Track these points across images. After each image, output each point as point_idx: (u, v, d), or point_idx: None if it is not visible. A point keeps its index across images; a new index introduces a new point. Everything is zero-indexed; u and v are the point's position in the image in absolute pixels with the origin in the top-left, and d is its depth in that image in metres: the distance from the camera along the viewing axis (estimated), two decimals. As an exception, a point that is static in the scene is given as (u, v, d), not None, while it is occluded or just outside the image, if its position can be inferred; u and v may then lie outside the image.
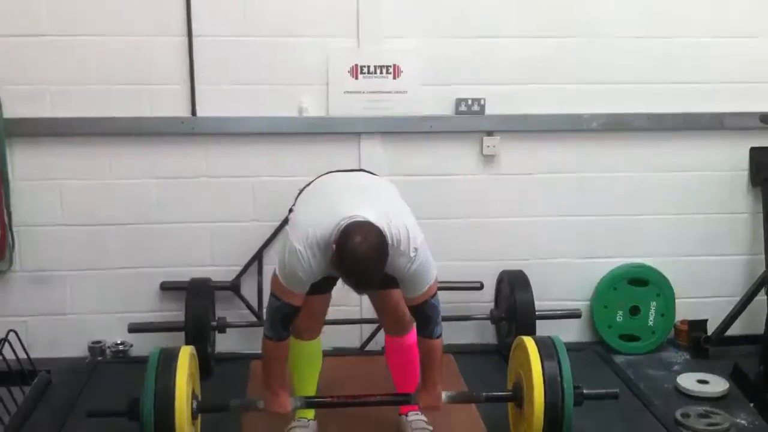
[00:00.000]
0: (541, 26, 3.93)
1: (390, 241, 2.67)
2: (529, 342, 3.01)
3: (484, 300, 4.11)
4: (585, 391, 2.98)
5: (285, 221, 3.73)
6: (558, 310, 4.01)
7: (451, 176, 4.05)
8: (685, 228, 4.19)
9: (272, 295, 2.87)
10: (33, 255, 3.92)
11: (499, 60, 3.95)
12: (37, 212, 3.87)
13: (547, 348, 2.97)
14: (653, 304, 4.15)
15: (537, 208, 4.11)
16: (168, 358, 2.89)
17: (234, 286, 3.97)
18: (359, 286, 2.68)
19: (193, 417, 2.96)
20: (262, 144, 3.90)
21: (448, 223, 4.07)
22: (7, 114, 3.73)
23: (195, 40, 3.77)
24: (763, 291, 3.91)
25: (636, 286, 4.16)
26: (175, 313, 3.91)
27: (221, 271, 4.00)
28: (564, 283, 4.18)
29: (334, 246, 2.60)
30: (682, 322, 4.20)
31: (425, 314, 2.89)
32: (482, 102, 3.94)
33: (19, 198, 3.84)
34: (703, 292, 4.23)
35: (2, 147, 3.75)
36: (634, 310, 4.16)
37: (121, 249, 3.97)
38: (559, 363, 2.92)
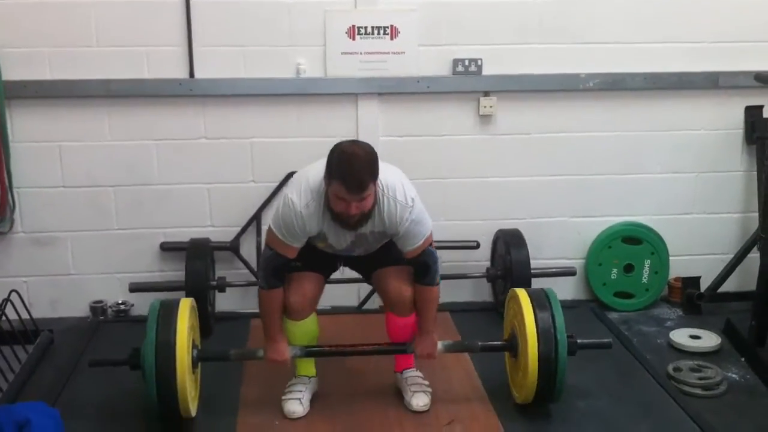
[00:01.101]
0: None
1: (384, 189, 2.80)
2: (522, 293, 3.07)
3: (481, 259, 4.15)
4: (579, 341, 3.04)
5: (283, 182, 3.78)
6: (553, 268, 4.07)
7: (448, 137, 4.07)
8: (680, 186, 4.22)
9: (266, 246, 2.96)
10: (33, 216, 3.95)
11: (496, 20, 3.95)
12: (37, 174, 3.90)
13: (540, 299, 3.04)
14: (647, 261, 4.20)
15: (533, 168, 4.14)
16: (168, 309, 2.96)
17: (233, 247, 4.01)
18: (351, 186, 2.66)
19: (194, 366, 3.02)
20: (259, 105, 3.92)
21: (444, 183, 4.10)
22: (6, 76, 3.74)
23: (192, 1, 3.77)
24: (755, 248, 3.95)
25: (630, 244, 4.20)
26: (176, 273, 3.96)
27: (220, 232, 4.04)
28: (559, 241, 4.23)
29: (325, 168, 2.74)
30: (676, 279, 4.26)
31: (424, 262, 2.97)
32: (479, 62, 3.95)
33: (19, 160, 3.86)
34: (697, 250, 4.28)
35: (1, 109, 3.76)
36: (629, 268, 4.21)
37: (121, 210, 4.00)
38: (552, 313, 2.99)
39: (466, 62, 3.96)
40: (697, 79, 4.06)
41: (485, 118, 4.06)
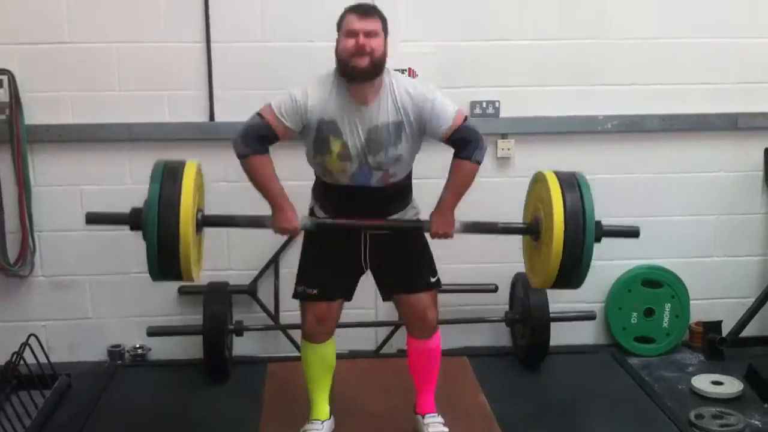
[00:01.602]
0: (555, 29, 3.95)
1: (394, 81, 2.87)
2: (549, 174, 2.95)
3: (499, 302, 4.13)
4: (604, 225, 2.92)
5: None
6: (572, 312, 4.03)
7: (466, 179, 4.06)
8: (700, 229, 4.20)
9: (255, 114, 2.89)
10: (53, 260, 3.98)
11: (513, 63, 3.97)
12: (57, 217, 3.93)
13: (569, 181, 2.92)
14: (668, 305, 4.17)
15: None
16: (173, 169, 2.80)
17: (251, 290, 4.01)
18: (359, 10, 2.80)
19: (198, 230, 2.91)
20: (280, 148, 3.91)
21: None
22: (30, 120, 3.79)
23: (213, 46, 3.82)
24: (777, 292, 3.93)
25: (650, 287, 4.17)
26: (193, 317, 3.94)
27: (238, 275, 4.04)
28: (578, 284, 4.19)
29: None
30: (697, 323, 4.22)
31: (463, 138, 2.89)
32: (497, 104, 3.97)
33: (40, 203, 3.90)
34: (718, 294, 4.25)
35: (24, 153, 3.80)
36: (649, 312, 4.17)
37: (139, 253, 3.94)
38: (581, 195, 2.87)
39: (484, 104, 3.98)
40: (716, 120, 4.06)
41: (503, 161, 4.07)
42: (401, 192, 3.07)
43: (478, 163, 2.94)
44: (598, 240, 2.90)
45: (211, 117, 3.89)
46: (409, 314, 3.14)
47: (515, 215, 4.05)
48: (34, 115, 3.80)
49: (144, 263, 3.92)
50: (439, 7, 3.92)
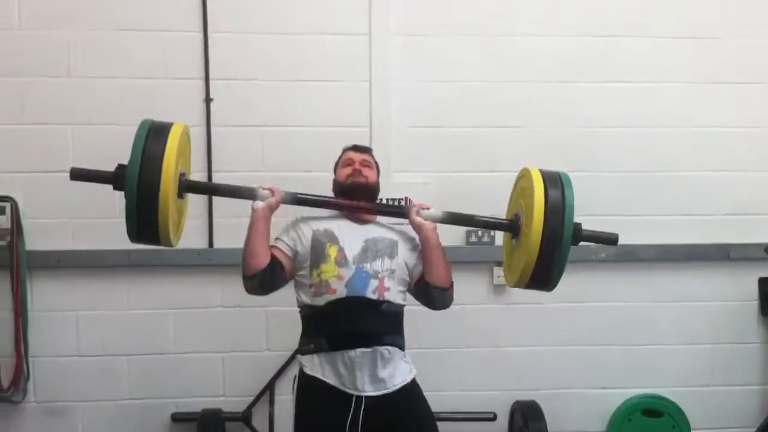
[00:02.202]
0: (548, 159, 3.98)
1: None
2: (534, 171, 2.91)
3: (498, 431, 4.06)
4: (584, 229, 2.90)
5: (297, 351, 3.76)
6: (572, 442, 3.98)
7: (463, 306, 4.04)
8: (698, 358, 4.18)
9: None
10: (47, 385, 3.93)
11: (507, 193, 4.02)
12: (53, 343, 3.91)
13: (553, 178, 2.88)
14: (669, 436, 4.11)
15: (549, 338, 4.13)
16: (159, 129, 2.76)
17: (245, 417, 3.95)
18: (356, 147, 3.21)
19: (180, 194, 2.87)
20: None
21: (459, 352, 4.09)
22: (30, 246, 3.83)
23: (214, 175, 3.90)
24: (777, 422, 3.88)
25: (651, 417, 4.11)
26: (187, 445, 3.89)
27: (233, 402, 3.98)
28: (578, 413, 4.15)
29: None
30: (699, 454, 4.15)
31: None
32: (492, 233, 4.02)
33: (36, 328, 3.89)
34: (718, 423, 4.18)
35: (23, 279, 3.82)
36: (650, 442, 4.11)
37: (133, 379, 3.98)
38: (563, 193, 2.83)
39: (479, 233, 4.03)
40: (709, 251, 4.11)
41: (499, 288, 4.09)
42: (396, 321, 3.04)
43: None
44: (575, 242, 2.88)
45: (210, 243, 3.94)
46: None
47: (513, 341, 4.10)
48: (35, 240, 3.84)
49: (136, 389, 3.98)
50: (433, 138, 4.02)
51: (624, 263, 4.09)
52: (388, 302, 2.96)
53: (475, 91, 4.04)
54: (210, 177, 3.90)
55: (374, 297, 2.93)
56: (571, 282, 4.03)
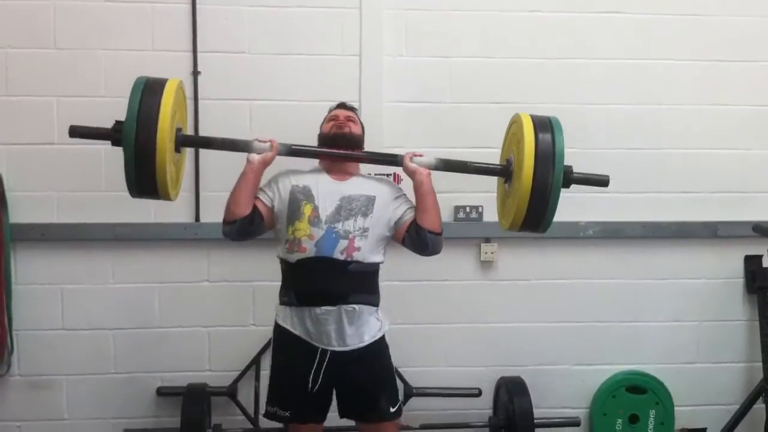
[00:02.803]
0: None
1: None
2: (525, 117, 2.97)
3: (483, 407, 4.08)
4: (575, 173, 2.98)
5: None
6: (557, 418, 4.00)
7: (450, 282, 4.08)
8: (683, 335, 4.20)
9: None
10: (31, 359, 3.91)
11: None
12: (37, 316, 3.89)
13: (544, 124, 2.94)
14: (652, 412, 4.13)
15: (535, 314, 4.13)
16: (154, 85, 2.82)
17: (230, 392, 3.94)
18: (340, 105, 3.34)
19: (177, 149, 2.94)
20: (263, 249, 3.95)
21: (446, 328, 4.09)
22: (14, 219, 3.79)
23: (201, 151, 3.87)
24: (761, 399, 3.89)
25: (635, 393, 4.13)
26: (171, 419, 3.88)
27: (219, 377, 3.98)
28: (562, 390, 4.17)
29: None
30: (682, 430, 4.17)
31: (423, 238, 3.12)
32: (480, 209, 4.01)
33: (21, 301, 3.86)
34: (702, 400, 4.21)
35: (7, 252, 3.79)
36: (633, 419, 4.13)
37: (119, 354, 3.97)
38: (553, 138, 2.89)
39: (467, 209, 4.02)
40: (696, 228, 4.12)
41: (486, 264, 4.09)
42: (366, 280, 3.09)
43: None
44: (567, 185, 2.94)
45: (197, 218, 3.91)
46: None
47: (499, 317, 4.11)
48: (19, 213, 3.80)
49: (121, 363, 3.97)
50: (424, 114, 3.99)
51: (611, 240, 4.10)
52: (357, 262, 3.02)
53: (468, 67, 4.00)
54: (197, 150, 3.86)
55: (341, 258, 3.01)
56: (557, 259, 4.10)
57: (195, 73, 3.85)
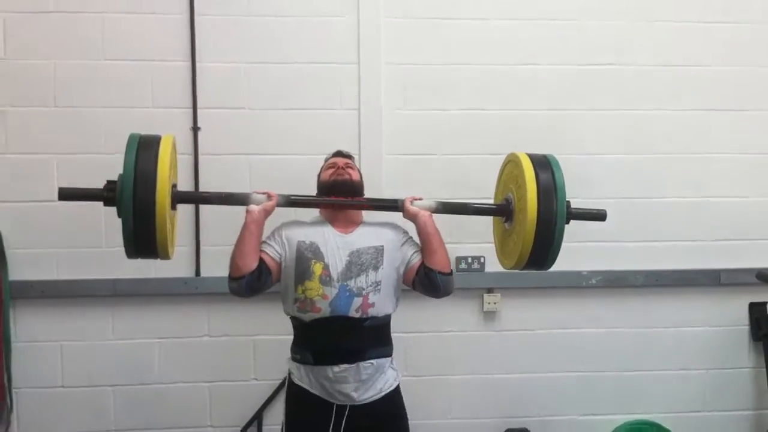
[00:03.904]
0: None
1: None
2: (522, 156, 2.96)
3: (488, 460, 4.04)
4: (573, 207, 2.95)
5: (285, 381, 3.73)
6: (564, 471, 3.94)
7: (453, 332, 4.06)
8: (689, 383, 4.17)
9: None
10: (31, 417, 3.87)
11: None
12: (37, 374, 3.86)
13: (541, 162, 2.94)
14: (661, 462, 4.08)
15: (539, 364, 4.10)
16: (149, 142, 2.75)
17: (232, 450, 3.91)
18: (338, 153, 3.28)
19: (173, 205, 2.88)
20: (264, 303, 3.92)
21: (450, 379, 4.06)
22: (14, 276, 3.78)
23: (201, 207, 3.88)
24: (771, 448, 3.86)
25: (642, 444, 4.09)
26: (171, 479, 3.84)
27: (220, 432, 3.94)
28: (569, 440, 4.12)
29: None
30: (691, 481, 4.12)
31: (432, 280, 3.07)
32: (482, 260, 4.00)
33: (20, 359, 3.83)
34: (711, 450, 4.16)
35: (6, 309, 3.77)
36: (642, 469, 4.08)
37: (118, 410, 3.93)
38: (553, 175, 2.89)
39: (469, 260, 4.01)
40: (699, 276, 4.10)
41: (489, 314, 4.07)
42: (381, 333, 3.07)
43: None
44: (566, 221, 2.92)
45: (197, 272, 3.90)
46: None
47: (503, 368, 4.07)
48: (19, 271, 3.80)
49: (121, 420, 3.92)
50: (422, 165, 4.00)
51: (614, 289, 4.08)
52: (372, 317, 3.00)
53: (464, 118, 4.02)
54: (197, 206, 3.87)
55: (357, 315, 2.97)
56: (561, 308, 4.08)
57: (195, 129, 3.87)
